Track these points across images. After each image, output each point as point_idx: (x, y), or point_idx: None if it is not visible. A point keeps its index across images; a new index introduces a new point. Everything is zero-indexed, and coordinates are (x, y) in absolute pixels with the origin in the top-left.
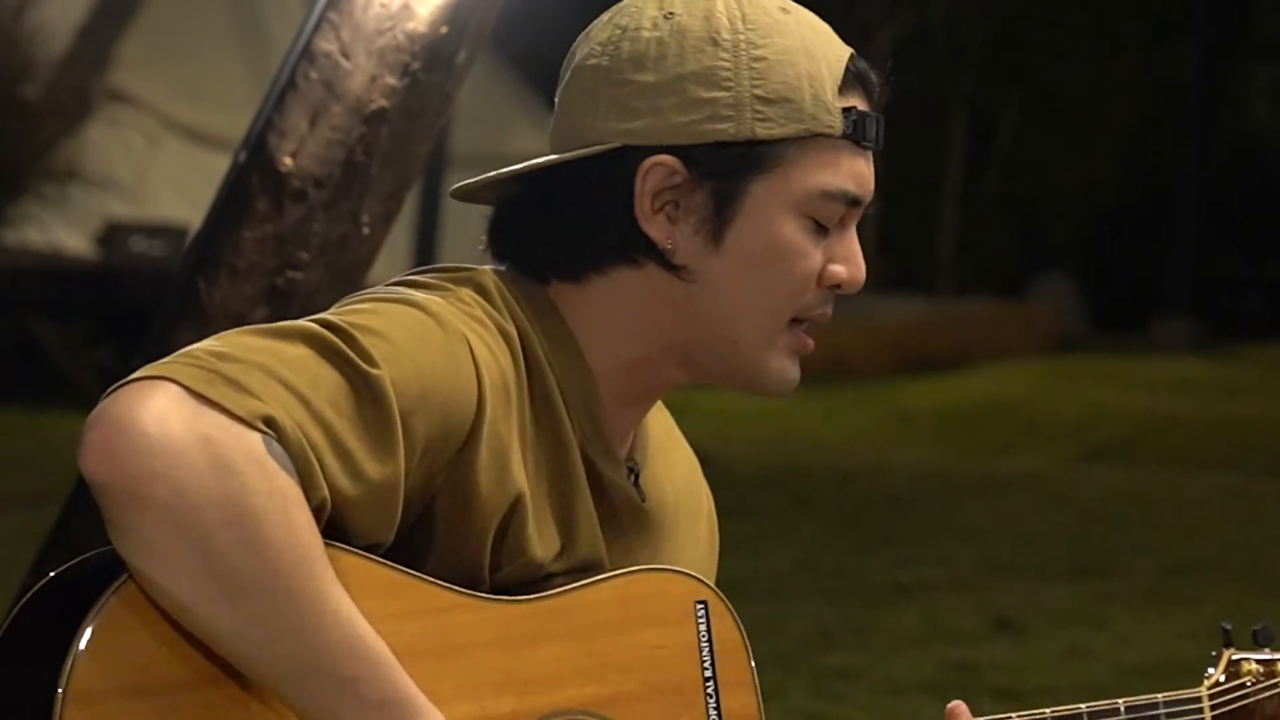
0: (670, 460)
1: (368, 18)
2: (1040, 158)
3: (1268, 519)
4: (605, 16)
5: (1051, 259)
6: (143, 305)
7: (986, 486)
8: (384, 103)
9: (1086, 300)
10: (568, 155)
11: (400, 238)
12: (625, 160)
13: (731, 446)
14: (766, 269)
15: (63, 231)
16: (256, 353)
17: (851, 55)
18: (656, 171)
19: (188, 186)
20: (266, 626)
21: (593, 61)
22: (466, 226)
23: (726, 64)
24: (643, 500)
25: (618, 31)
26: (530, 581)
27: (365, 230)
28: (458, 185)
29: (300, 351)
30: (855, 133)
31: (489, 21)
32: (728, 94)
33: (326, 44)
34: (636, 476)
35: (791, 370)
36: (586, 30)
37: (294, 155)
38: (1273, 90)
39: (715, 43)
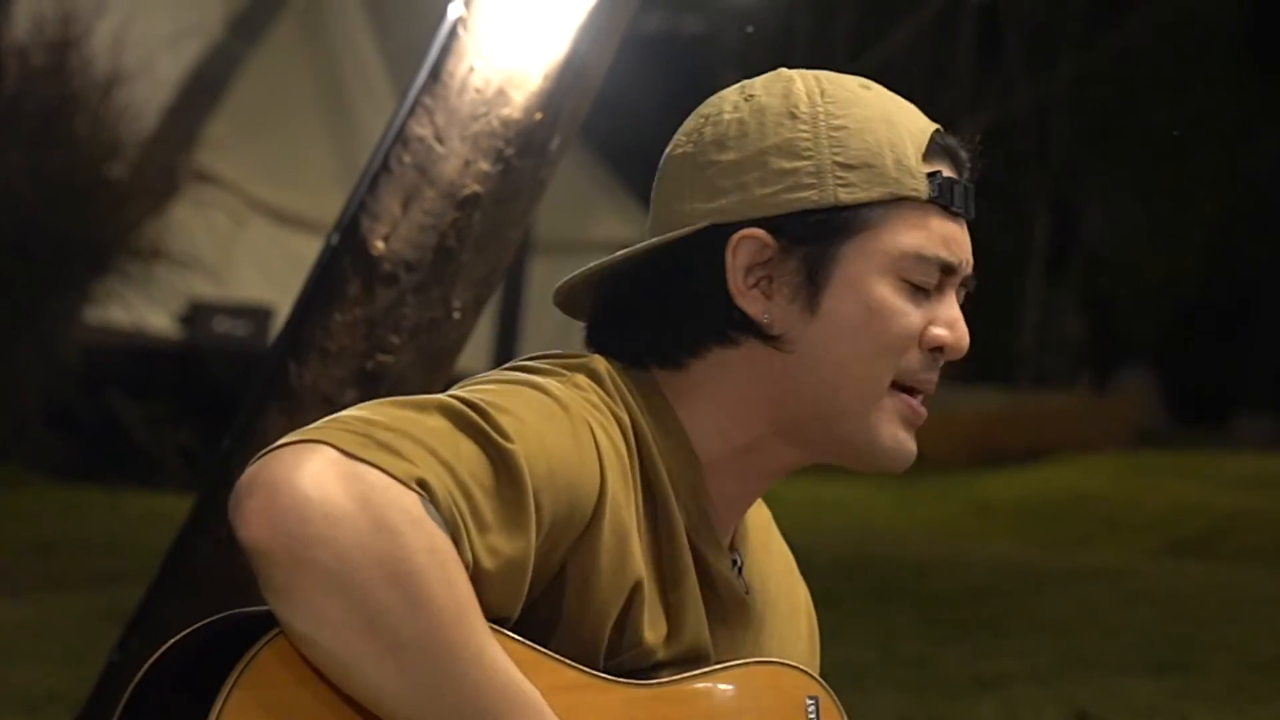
0: (770, 554)
1: (462, 103)
2: (1123, 250)
3: None
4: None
5: (1133, 352)
6: (225, 385)
7: (1067, 579)
8: (477, 188)
9: (1168, 395)
10: (655, 241)
11: (482, 322)
12: (714, 239)
13: (811, 535)
14: (864, 331)
15: (146, 310)
16: (401, 421)
17: (938, 129)
18: (746, 245)
19: (271, 267)
20: (430, 682)
21: (679, 151)
22: (548, 312)
23: (805, 134)
24: (746, 592)
25: (701, 120)
26: (641, 667)
27: (456, 315)
28: (557, 288)
29: (440, 423)
30: (941, 196)
31: (583, 109)
32: (808, 162)
33: (420, 128)
34: (740, 568)
35: (907, 441)
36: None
37: (386, 239)
38: None
39: (794, 116)
